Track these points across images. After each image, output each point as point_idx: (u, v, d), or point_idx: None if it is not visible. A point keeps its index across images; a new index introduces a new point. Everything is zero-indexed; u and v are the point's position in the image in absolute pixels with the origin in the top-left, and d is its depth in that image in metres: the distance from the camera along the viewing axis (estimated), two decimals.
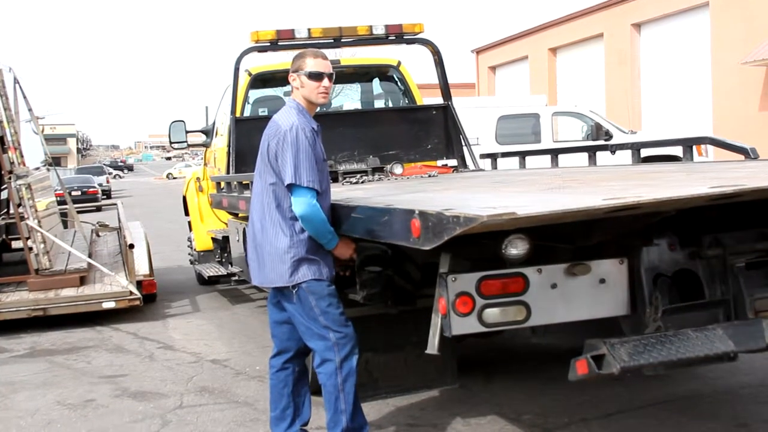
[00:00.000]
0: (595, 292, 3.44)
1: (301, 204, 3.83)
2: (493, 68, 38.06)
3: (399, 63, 8.36)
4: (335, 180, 7.17)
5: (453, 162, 7.87)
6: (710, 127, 22.54)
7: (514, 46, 35.34)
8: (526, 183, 4.64)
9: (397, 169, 7.36)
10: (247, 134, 6.82)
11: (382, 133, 7.73)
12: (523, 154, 7.65)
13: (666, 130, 20.13)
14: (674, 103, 25.08)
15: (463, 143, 7.77)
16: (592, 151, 6.80)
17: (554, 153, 7.34)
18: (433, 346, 3.38)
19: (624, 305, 3.48)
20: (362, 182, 6.72)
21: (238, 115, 7.30)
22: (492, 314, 3.29)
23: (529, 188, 4.14)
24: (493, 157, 8.00)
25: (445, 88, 7.84)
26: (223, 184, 6.84)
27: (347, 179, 6.96)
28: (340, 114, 8.34)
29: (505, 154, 8.07)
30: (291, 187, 3.85)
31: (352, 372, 3.94)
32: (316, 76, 4.00)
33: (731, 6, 22.49)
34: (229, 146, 7.08)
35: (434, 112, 7.93)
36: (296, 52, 4.21)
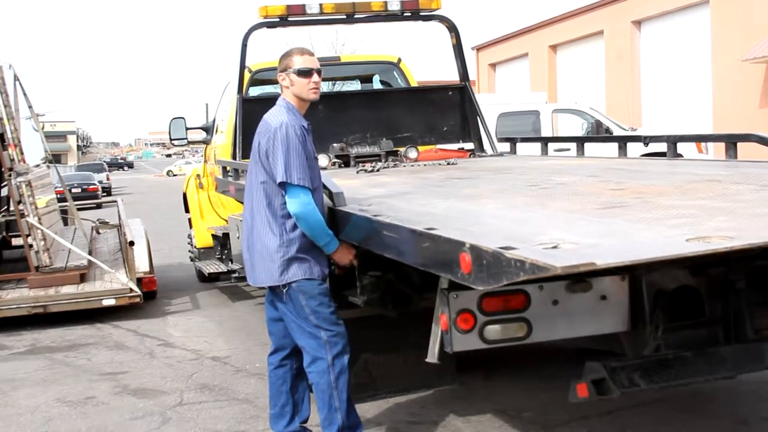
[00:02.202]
0: (596, 308, 3.40)
1: (296, 203, 3.82)
2: (494, 65, 38.05)
3: (399, 60, 8.34)
4: (347, 164, 7.02)
5: (469, 145, 7.66)
6: (710, 125, 22.54)
7: (514, 44, 35.33)
8: (570, 193, 4.11)
9: (412, 154, 7.18)
10: (253, 115, 6.59)
11: (395, 115, 7.50)
12: (545, 140, 7.43)
13: (667, 128, 20.10)
14: (674, 100, 25.07)
15: (481, 126, 7.53)
16: (623, 141, 6.54)
17: (579, 141, 7.06)
18: (433, 355, 3.37)
19: (624, 322, 3.43)
20: (377, 170, 6.41)
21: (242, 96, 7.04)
22: (493, 331, 3.26)
23: (580, 205, 3.61)
24: (512, 141, 7.76)
25: (463, 68, 7.60)
26: (229, 169, 6.53)
27: (362, 166, 6.70)
28: (352, 95, 8.05)
29: (524, 140, 7.89)
30: (284, 186, 3.84)
31: (345, 370, 3.93)
32: (305, 73, 4.00)
33: (731, 3, 22.47)
34: (235, 127, 6.87)
35: (450, 93, 7.70)
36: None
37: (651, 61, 26.66)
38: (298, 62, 4.01)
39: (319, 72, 4.05)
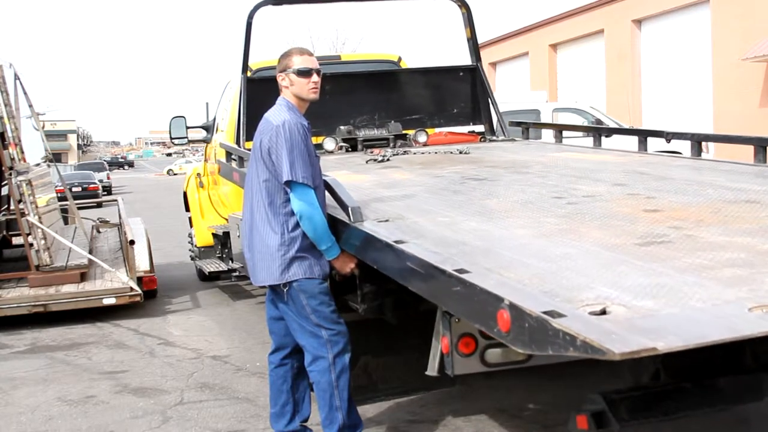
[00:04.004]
0: None
1: (301, 201, 3.81)
2: (494, 64, 38.03)
3: (399, 59, 8.32)
4: (354, 148, 6.89)
5: (480, 128, 7.50)
6: (711, 124, 22.54)
7: (514, 42, 35.32)
8: (601, 215, 3.71)
9: (422, 137, 7.04)
10: (258, 95, 6.35)
11: (404, 97, 7.33)
12: (559, 128, 7.24)
13: (668, 127, 20.07)
14: (675, 99, 25.06)
15: (492, 108, 7.36)
16: (643, 135, 6.30)
17: (596, 132, 6.80)
18: (433, 369, 3.35)
19: None
20: (388, 159, 6.10)
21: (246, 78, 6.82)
22: (494, 354, 3.23)
23: (617, 237, 3.23)
24: (524, 125, 7.55)
25: (475, 49, 7.43)
26: (234, 156, 6.12)
27: (370, 153, 6.45)
28: (359, 75, 7.80)
29: (537, 125, 7.69)
30: (289, 184, 3.84)
31: (346, 369, 3.93)
32: (305, 73, 4.00)
33: (731, 2, 22.47)
34: (239, 109, 6.69)
35: (461, 74, 7.55)
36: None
37: (651, 60, 26.66)
38: (298, 62, 4.01)
39: (318, 72, 4.05)
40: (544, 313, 2.24)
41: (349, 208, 3.76)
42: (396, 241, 3.25)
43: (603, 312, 2.27)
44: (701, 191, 4.19)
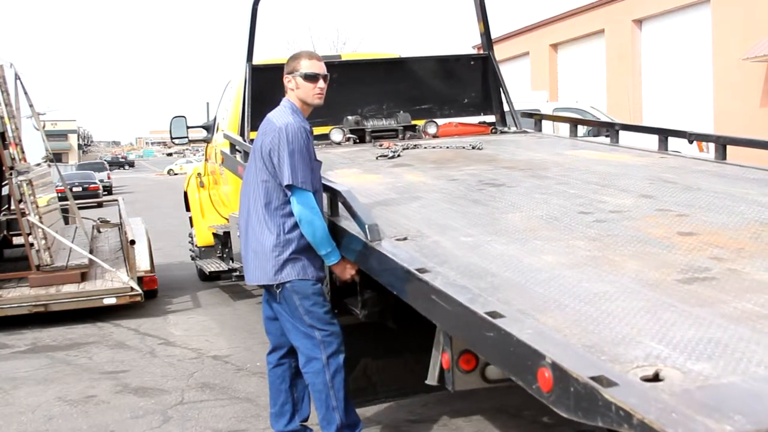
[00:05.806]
0: None
1: (302, 205, 3.81)
2: None
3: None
4: (362, 140, 6.76)
5: (491, 118, 7.37)
6: (711, 124, 22.54)
7: (514, 42, 35.31)
8: (634, 238, 3.43)
9: (431, 129, 6.94)
10: (264, 85, 6.26)
11: (413, 86, 7.19)
12: (575, 122, 7.11)
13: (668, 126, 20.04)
14: (675, 99, 25.06)
15: (504, 98, 7.23)
16: (663, 134, 6.06)
17: (612, 127, 6.59)
18: (433, 378, 3.32)
19: None
20: (398, 155, 5.87)
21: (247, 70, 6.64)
22: (495, 370, 3.14)
23: (656, 271, 2.95)
24: (537, 117, 7.34)
25: (487, 37, 7.28)
26: (239, 149, 5.86)
27: (380, 147, 6.28)
28: (367, 64, 7.64)
29: (549, 117, 7.56)
30: (290, 188, 3.83)
31: (340, 369, 3.93)
32: (311, 78, 4.00)
33: (732, 2, 22.47)
34: (243, 101, 6.53)
35: (472, 63, 7.41)
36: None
37: (652, 59, 26.65)
38: (306, 66, 4.02)
39: (325, 78, 4.06)
40: (593, 378, 2.02)
41: (366, 226, 3.53)
42: (418, 269, 3.01)
43: (656, 377, 2.06)
44: (734, 208, 3.92)
